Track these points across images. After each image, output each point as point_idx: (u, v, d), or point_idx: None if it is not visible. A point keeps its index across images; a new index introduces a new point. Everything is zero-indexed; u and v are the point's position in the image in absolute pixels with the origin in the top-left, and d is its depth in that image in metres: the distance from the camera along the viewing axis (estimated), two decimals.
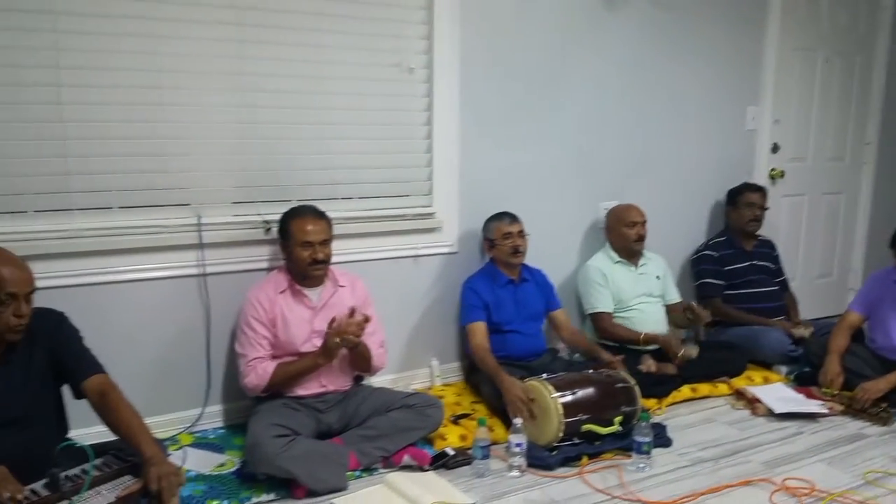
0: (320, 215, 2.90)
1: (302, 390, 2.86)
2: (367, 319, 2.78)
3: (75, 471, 2.11)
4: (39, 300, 2.28)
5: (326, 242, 2.87)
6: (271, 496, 2.56)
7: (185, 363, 3.03)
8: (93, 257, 2.78)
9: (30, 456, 2.08)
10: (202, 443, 2.96)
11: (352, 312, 2.78)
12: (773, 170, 4.58)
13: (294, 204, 3.07)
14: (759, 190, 4.21)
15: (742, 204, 4.15)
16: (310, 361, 2.81)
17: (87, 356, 2.32)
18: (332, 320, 2.77)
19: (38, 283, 2.52)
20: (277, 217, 3.03)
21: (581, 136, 3.86)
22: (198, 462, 2.78)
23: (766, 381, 3.69)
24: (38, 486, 2.02)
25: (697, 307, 3.59)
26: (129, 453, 2.21)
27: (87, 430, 2.44)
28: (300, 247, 2.83)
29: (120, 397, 2.24)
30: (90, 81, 2.72)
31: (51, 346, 2.26)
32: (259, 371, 2.77)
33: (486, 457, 2.75)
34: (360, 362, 2.95)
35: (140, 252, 2.87)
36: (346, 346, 2.79)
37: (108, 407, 2.22)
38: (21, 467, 2.01)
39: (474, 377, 3.49)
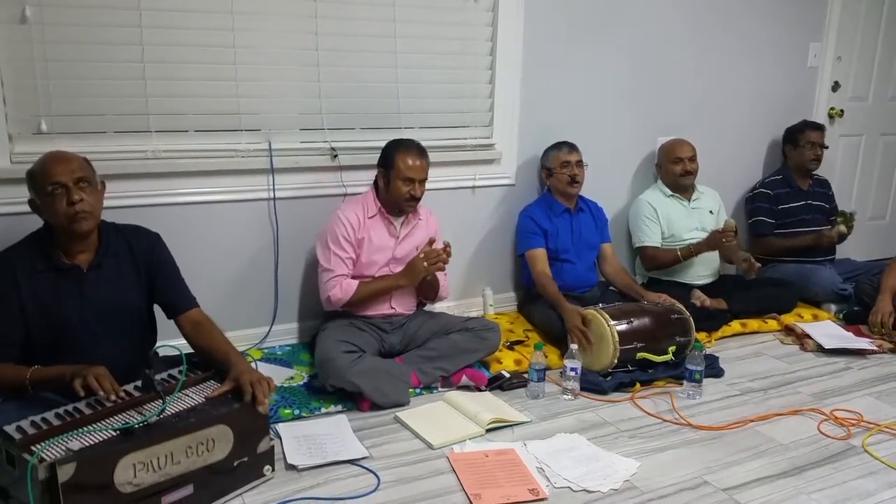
0: (423, 153, 2.95)
1: (371, 311, 2.98)
2: (448, 246, 2.90)
3: (163, 375, 2.26)
4: (116, 218, 2.41)
5: (424, 181, 2.94)
6: (339, 407, 2.70)
7: (254, 282, 3.15)
8: (169, 178, 2.88)
9: (120, 364, 2.19)
10: (271, 358, 3.10)
11: (431, 242, 2.90)
12: (832, 109, 4.52)
13: (358, 132, 3.15)
14: (820, 128, 4.15)
15: (803, 142, 4.10)
16: (391, 282, 2.94)
17: (184, 289, 2.46)
18: (430, 242, 2.91)
19: (117, 203, 2.64)
20: (343, 144, 3.11)
21: (642, 71, 3.83)
22: (268, 375, 2.90)
23: (816, 318, 3.73)
24: (129, 387, 2.15)
25: (753, 262, 3.60)
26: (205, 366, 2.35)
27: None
28: (402, 181, 2.89)
29: (212, 325, 2.41)
30: (168, 6, 2.78)
31: (148, 265, 2.39)
32: (344, 286, 2.88)
33: (541, 380, 2.85)
34: (429, 291, 3.08)
35: (214, 175, 2.96)
36: (431, 273, 2.91)
37: (201, 334, 2.38)
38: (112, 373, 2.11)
39: (528, 307, 3.57)
